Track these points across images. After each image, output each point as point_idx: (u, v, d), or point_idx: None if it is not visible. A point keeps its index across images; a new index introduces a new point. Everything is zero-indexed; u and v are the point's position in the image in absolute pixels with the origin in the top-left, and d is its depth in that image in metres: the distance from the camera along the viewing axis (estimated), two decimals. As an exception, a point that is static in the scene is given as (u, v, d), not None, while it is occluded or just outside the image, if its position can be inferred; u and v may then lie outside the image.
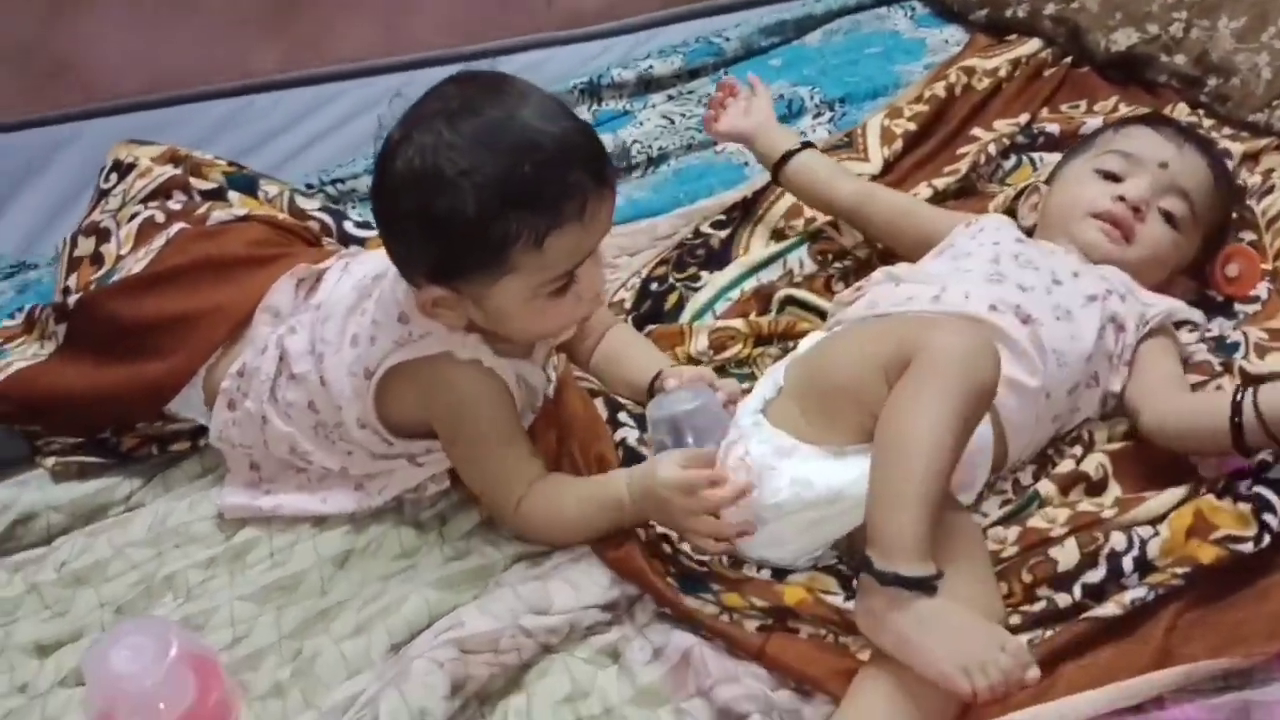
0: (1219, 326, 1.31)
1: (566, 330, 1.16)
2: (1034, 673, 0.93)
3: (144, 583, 1.14)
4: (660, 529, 1.10)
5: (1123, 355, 1.19)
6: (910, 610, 0.94)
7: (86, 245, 1.32)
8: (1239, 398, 1.06)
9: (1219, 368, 1.23)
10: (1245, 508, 1.05)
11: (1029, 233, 1.34)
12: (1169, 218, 1.28)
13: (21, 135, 1.88)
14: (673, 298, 1.41)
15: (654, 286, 1.43)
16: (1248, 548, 1.03)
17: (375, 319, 1.11)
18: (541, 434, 1.17)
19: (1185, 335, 1.27)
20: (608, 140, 1.70)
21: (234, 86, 1.98)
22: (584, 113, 1.80)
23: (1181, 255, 1.30)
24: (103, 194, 1.38)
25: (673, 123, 1.77)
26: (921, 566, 0.95)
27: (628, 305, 1.41)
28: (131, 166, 1.41)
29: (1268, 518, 1.04)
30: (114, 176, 1.41)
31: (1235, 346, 1.24)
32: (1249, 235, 1.40)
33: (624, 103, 1.82)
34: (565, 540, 1.11)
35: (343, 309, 1.14)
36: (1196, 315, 1.27)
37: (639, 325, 1.38)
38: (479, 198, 0.97)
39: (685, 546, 1.09)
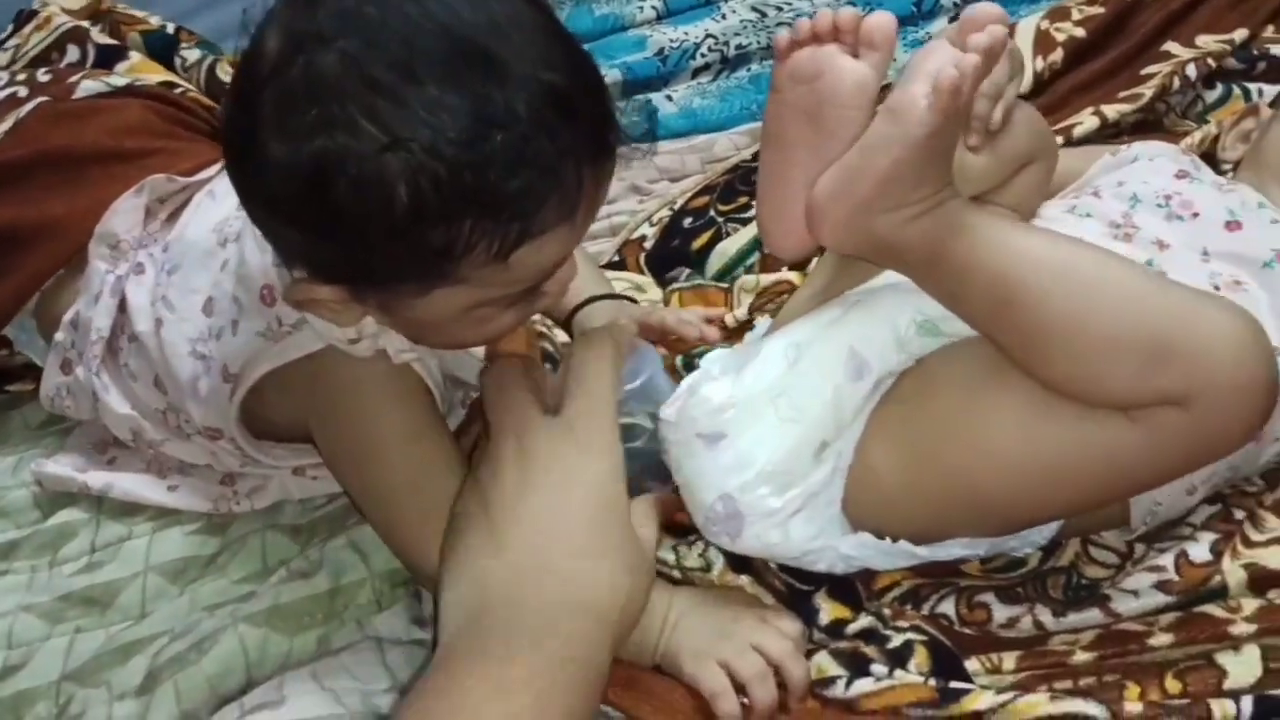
0: None
1: (512, 331, 0.74)
2: None
3: (-83, 569, 0.84)
4: None
5: None
6: None
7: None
8: None
9: None
10: None
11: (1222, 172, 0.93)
12: None
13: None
14: (705, 236, 1.02)
15: (687, 221, 1.04)
16: None
17: (238, 285, 0.74)
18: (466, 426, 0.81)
19: None
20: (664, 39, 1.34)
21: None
22: (655, 1, 1.43)
23: None
24: (-6, 48, 1.07)
25: (763, 16, 1.38)
26: None
27: (649, 245, 1.04)
28: (33, 15, 1.09)
29: None
30: (10, 26, 1.10)
31: None
32: None
33: (708, -12, 1.43)
34: None
35: (196, 256, 0.78)
36: None
37: (658, 269, 1.01)
38: (415, 191, 0.56)
39: None
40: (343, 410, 0.73)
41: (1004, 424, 0.67)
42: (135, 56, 1.05)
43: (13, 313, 0.89)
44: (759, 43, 1.33)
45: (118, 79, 0.98)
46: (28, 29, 1.09)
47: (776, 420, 0.71)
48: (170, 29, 1.13)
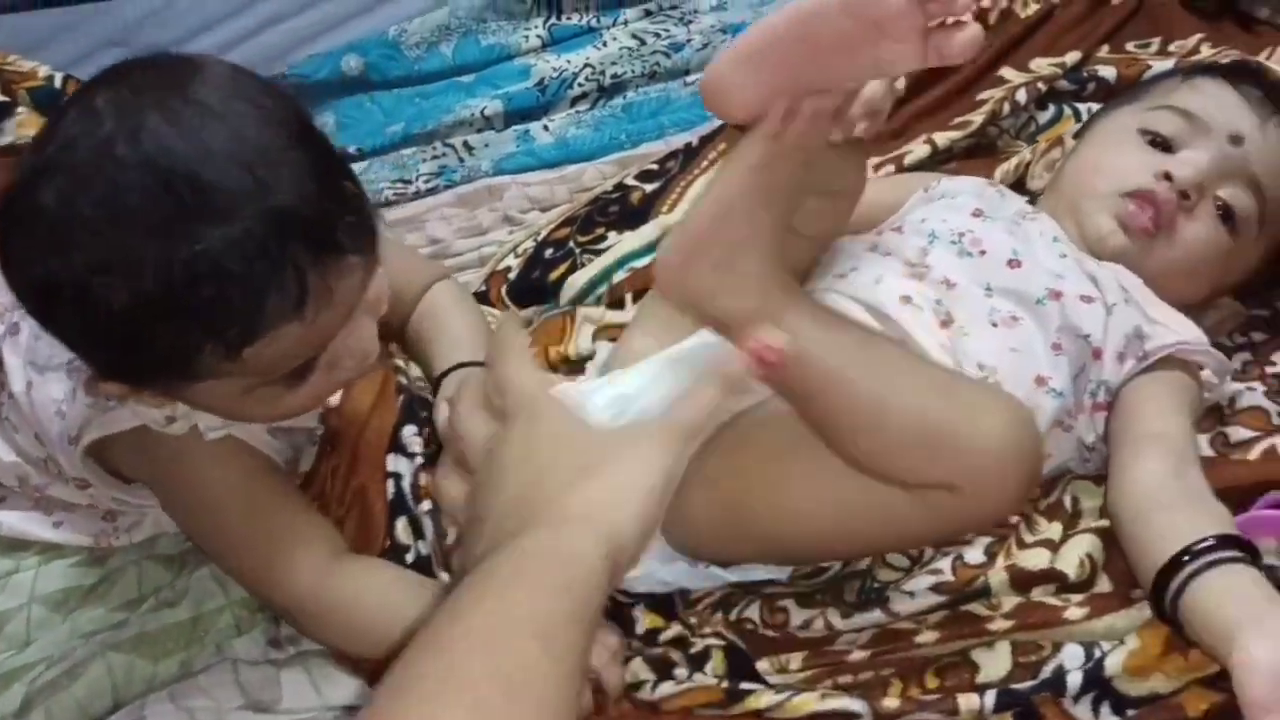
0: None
1: (321, 403, 0.83)
2: None
3: None
4: None
5: (1096, 393, 0.85)
6: None
7: None
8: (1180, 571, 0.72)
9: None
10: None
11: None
12: (1226, 213, 0.92)
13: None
14: (563, 267, 1.09)
15: (549, 253, 1.12)
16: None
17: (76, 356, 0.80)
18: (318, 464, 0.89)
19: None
20: (549, 64, 1.41)
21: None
22: (539, 28, 1.49)
23: (1231, 269, 0.94)
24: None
25: (642, 44, 1.44)
26: None
27: (512, 276, 1.11)
28: (-82, 80, 1.16)
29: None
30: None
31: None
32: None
33: (589, 17, 1.49)
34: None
35: None
36: (1212, 358, 0.88)
37: (519, 300, 1.08)
38: (126, 309, 0.63)
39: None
40: (173, 475, 0.80)
41: (802, 489, 0.75)
42: (23, 112, 1.11)
43: None
44: (634, 71, 1.39)
45: (4, 137, 1.04)
46: (-85, 91, 1.15)
47: None
48: (58, 81, 1.19)
